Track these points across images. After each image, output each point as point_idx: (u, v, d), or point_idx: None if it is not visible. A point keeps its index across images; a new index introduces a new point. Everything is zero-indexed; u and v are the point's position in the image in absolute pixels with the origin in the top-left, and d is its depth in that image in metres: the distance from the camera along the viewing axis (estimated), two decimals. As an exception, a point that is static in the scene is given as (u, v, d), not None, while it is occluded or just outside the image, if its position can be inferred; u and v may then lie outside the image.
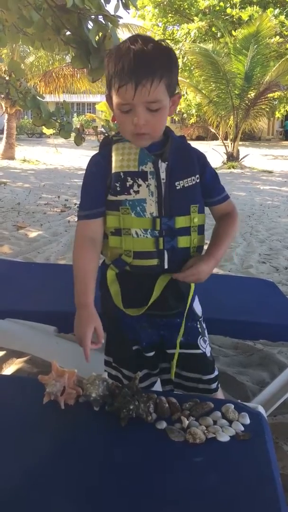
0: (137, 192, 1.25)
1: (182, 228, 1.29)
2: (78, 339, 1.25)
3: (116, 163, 1.27)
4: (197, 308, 1.43)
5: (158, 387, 1.46)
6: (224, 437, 1.07)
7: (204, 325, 1.44)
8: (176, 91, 1.26)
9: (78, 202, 1.37)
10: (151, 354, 1.38)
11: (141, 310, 1.32)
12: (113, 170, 1.27)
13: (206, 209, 1.39)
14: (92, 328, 1.24)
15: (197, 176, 1.32)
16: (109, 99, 1.27)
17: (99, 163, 1.31)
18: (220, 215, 1.42)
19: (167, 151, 1.27)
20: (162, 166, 1.26)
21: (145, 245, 1.27)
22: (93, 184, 1.31)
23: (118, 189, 1.26)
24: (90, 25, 2.53)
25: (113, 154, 1.28)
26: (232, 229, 1.41)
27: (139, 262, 1.28)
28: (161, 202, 1.26)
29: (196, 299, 1.43)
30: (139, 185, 1.25)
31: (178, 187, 1.28)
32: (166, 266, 1.29)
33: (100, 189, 1.29)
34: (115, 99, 1.21)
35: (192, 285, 1.37)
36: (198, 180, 1.32)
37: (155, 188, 1.25)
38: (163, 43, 1.21)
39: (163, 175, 1.26)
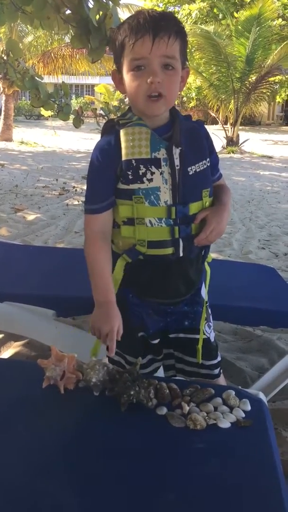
0: (150, 180, 1.20)
1: (195, 214, 1.26)
2: (102, 334, 1.24)
3: (126, 150, 1.20)
4: (203, 293, 1.41)
5: (160, 373, 1.45)
6: (225, 424, 1.07)
7: (209, 311, 1.43)
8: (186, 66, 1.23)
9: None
10: (156, 341, 1.37)
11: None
12: (124, 158, 1.20)
13: None
14: (118, 325, 1.24)
15: (208, 159, 1.28)
16: (115, 75, 1.22)
17: (106, 151, 1.23)
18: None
19: (177, 134, 1.22)
20: (176, 152, 1.21)
21: (160, 234, 1.23)
22: (100, 175, 1.25)
23: (130, 177, 1.21)
24: (91, 3, 2.47)
25: (122, 140, 1.20)
26: (228, 190, 1.40)
27: (153, 252, 1.24)
28: (175, 189, 1.21)
29: (203, 285, 1.41)
30: (152, 173, 1.20)
31: (190, 173, 1.23)
32: (181, 254, 1.26)
33: (108, 180, 1.23)
34: (128, 58, 1.16)
35: (204, 271, 1.37)
36: (209, 164, 1.29)
37: (168, 175, 1.21)
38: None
39: (177, 161, 1.21)
